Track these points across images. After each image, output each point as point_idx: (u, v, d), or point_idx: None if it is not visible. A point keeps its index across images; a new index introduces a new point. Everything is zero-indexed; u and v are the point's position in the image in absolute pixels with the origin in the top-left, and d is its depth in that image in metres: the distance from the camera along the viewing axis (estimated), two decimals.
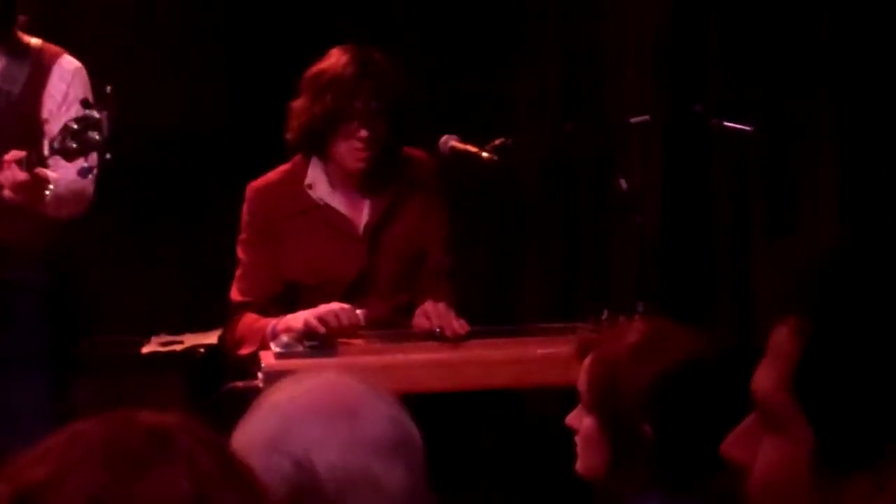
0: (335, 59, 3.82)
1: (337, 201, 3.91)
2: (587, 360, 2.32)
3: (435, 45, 5.15)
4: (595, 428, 2.28)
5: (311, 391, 1.72)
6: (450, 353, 3.60)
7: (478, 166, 3.89)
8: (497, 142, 3.84)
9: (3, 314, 3.70)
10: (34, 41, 3.69)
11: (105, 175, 4.90)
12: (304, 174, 3.90)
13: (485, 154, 3.83)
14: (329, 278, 3.86)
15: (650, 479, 2.24)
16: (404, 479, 1.65)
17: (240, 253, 3.92)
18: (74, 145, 3.33)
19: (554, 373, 3.47)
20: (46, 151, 3.35)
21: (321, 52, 3.90)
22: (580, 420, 2.32)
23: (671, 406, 2.20)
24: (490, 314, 4.31)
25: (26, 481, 1.09)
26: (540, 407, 3.73)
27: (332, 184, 3.90)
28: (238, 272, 3.91)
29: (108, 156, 3.39)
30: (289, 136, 3.88)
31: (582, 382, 2.32)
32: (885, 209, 4.27)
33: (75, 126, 3.32)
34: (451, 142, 3.89)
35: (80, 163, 3.41)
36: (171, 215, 5.10)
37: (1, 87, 3.58)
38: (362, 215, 3.93)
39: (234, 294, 3.89)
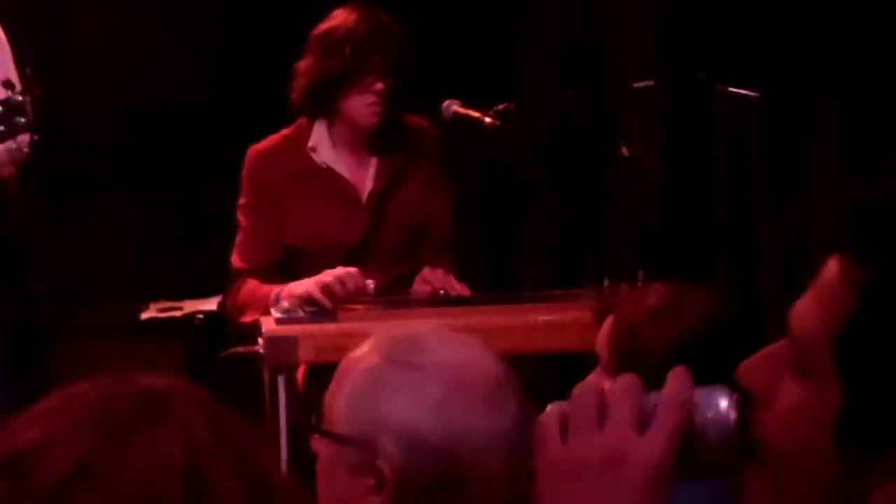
0: (344, 17, 3.80)
1: (340, 165, 3.89)
2: (606, 324, 2.30)
3: (435, 10, 5.11)
4: None
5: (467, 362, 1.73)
6: (451, 318, 3.57)
7: (480, 131, 3.86)
8: (499, 107, 3.82)
9: None
10: None
11: (105, 141, 4.91)
12: (306, 138, 3.87)
13: (487, 119, 3.81)
14: (330, 244, 3.83)
15: None
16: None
17: (240, 217, 3.89)
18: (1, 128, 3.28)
19: (556, 339, 3.46)
20: None
21: (317, 17, 3.88)
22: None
23: (693, 367, 2.19)
24: (489, 281, 4.29)
25: (17, 444, 1.08)
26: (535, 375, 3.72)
27: (336, 147, 3.87)
28: (238, 238, 3.89)
29: (35, 137, 3.35)
30: (294, 96, 3.85)
31: (601, 346, 2.30)
32: (890, 173, 4.25)
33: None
34: (453, 106, 3.87)
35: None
36: (169, 180, 5.07)
37: None
38: (366, 181, 3.90)
39: (235, 260, 3.87)
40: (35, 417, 1.10)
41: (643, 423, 1.21)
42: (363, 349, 1.76)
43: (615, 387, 1.23)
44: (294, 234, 3.85)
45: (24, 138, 3.47)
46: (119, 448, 1.08)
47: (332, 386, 1.75)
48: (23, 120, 3.26)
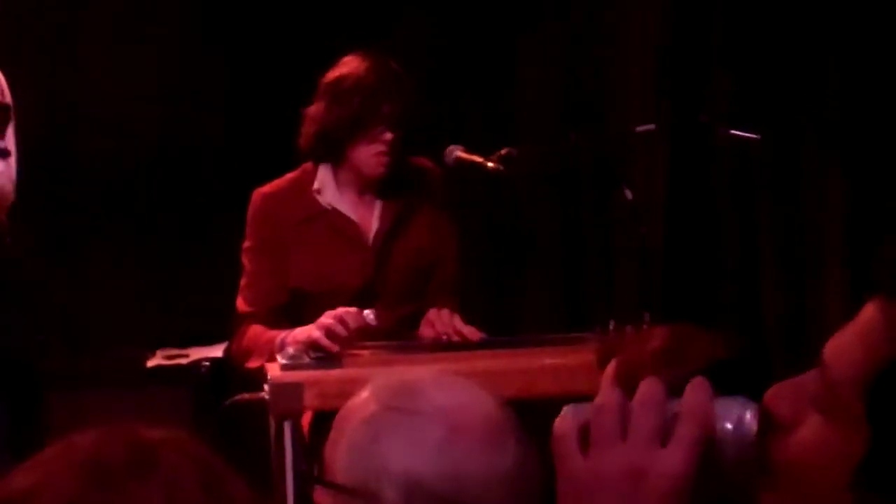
0: (354, 65, 3.81)
1: (346, 207, 3.89)
2: (610, 367, 2.30)
3: (437, 56, 5.14)
4: None
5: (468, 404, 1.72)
6: (456, 363, 3.57)
7: (483, 176, 3.88)
8: (502, 152, 3.83)
9: None
10: None
11: (110, 185, 4.91)
12: (311, 181, 3.88)
13: (490, 164, 3.82)
14: (334, 286, 3.83)
15: None
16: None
17: (244, 261, 3.89)
18: None
19: (563, 382, 3.46)
20: None
21: (322, 63, 3.89)
22: None
23: None
24: (493, 325, 4.29)
25: (11, 490, 1.09)
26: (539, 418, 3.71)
27: (341, 189, 3.88)
28: (243, 281, 3.89)
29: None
30: (302, 141, 3.87)
31: (605, 387, 2.30)
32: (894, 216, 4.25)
33: None
34: (456, 152, 3.88)
35: None
36: (174, 224, 5.09)
37: None
38: (371, 222, 3.91)
39: (240, 304, 3.87)
40: (33, 464, 1.12)
41: (664, 434, 1.20)
42: (360, 397, 1.75)
43: (640, 397, 1.23)
44: (299, 276, 3.85)
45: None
46: (103, 496, 1.09)
47: (332, 436, 1.75)
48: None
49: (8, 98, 3.46)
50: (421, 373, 1.87)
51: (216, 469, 1.14)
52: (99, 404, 4.29)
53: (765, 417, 1.21)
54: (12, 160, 3.69)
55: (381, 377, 1.79)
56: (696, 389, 1.23)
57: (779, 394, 1.23)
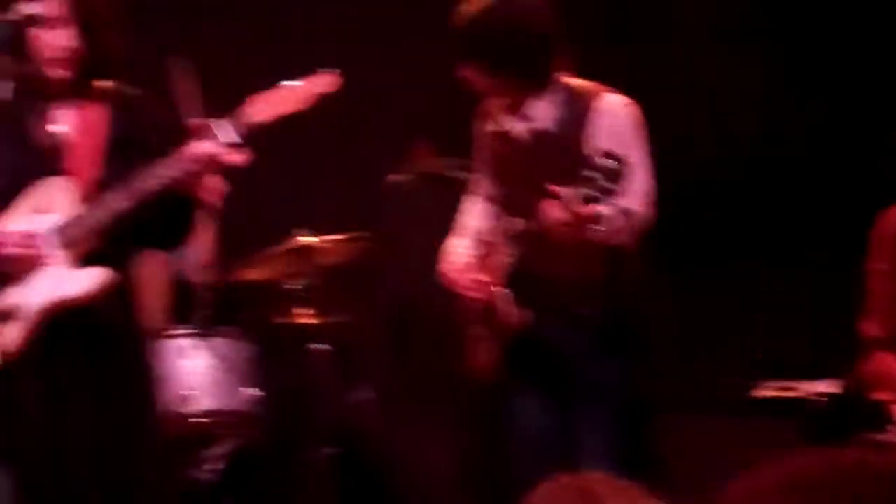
0: None
1: None
2: None
3: None
4: None
5: None
6: None
7: None
8: None
9: (564, 349, 3.56)
10: (574, 82, 3.56)
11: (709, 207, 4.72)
12: None
13: None
14: None
15: None
16: None
17: (869, 283, 3.63)
18: (596, 194, 3.18)
19: None
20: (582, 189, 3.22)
21: None
22: None
23: None
24: None
25: None
26: None
27: None
28: (868, 304, 3.62)
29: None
30: None
31: None
32: None
33: (596, 172, 3.16)
34: None
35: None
36: (789, 248, 4.83)
37: (544, 125, 3.49)
38: None
39: (865, 328, 3.61)
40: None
41: None
42: None
43: None
44: None
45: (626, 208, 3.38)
46: None
47: None
48: (613, 186, 3.18)
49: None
50: None
51: None
52: (705, 430, 4.16)
53: None
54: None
55: None
56: None
57: None
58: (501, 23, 3.40)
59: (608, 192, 3.15)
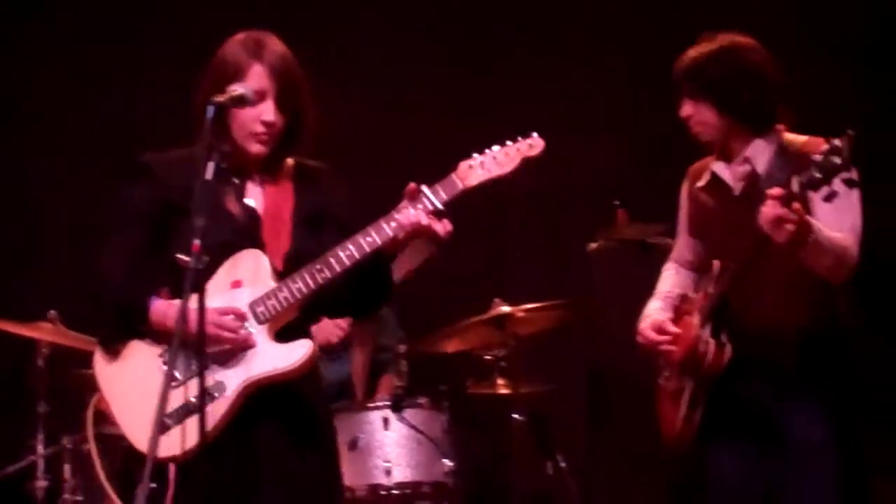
0: None
1: None
2: None
3: None
4: None
5: None
6: None
7: None
8: None
9: (764, 401, 3.42)
10: (791, 134, 3.48)
11: None
12: None
13: None
14: None
15: None
16: None
17: None
18: (818, 175, 3.08)
19: None
20: (796, 187, 3.12)
21: None
22: None
23: None
24: None
25: None
26: None
27: None
28: None
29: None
30: None
31: None
32: None
33: (818, 157, 3.07)
34: None
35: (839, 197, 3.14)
36: None
37: (760, 169, 3.43)
38: None
39: None
40: None
41: None
42: None
43: None
44: None
45: None
46: None
47: None
48: (838, 160, 3.08)
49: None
50: None
51: None
52: None
53: None
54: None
55: None
56: None
57: None
58: (738, 63, 3.41)
59: (832, 173, 3.06)
